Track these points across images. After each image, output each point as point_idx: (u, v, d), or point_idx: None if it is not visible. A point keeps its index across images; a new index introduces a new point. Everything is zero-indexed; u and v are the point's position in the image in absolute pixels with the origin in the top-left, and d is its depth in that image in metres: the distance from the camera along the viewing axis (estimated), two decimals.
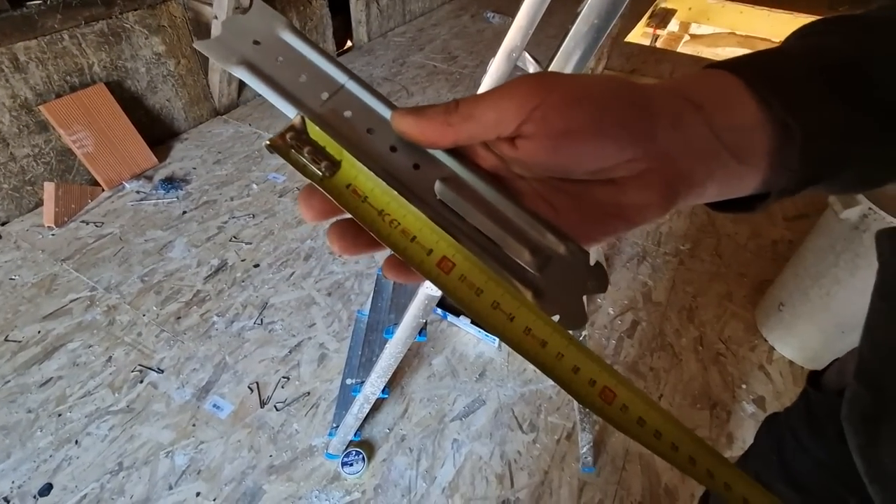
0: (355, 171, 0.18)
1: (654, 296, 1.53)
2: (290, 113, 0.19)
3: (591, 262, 0.20)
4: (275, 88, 0.19)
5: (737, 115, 0.20)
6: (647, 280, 1.57)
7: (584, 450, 1.08)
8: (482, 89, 0.83)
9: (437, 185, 0.19)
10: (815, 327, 1.25)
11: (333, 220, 0.19)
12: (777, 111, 0.20)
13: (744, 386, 1.29)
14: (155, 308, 1.42)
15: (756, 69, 0.21)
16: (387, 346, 0.83)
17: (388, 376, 0.89)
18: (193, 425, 1.17)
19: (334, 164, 0.18)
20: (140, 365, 1.28)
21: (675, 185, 0.20)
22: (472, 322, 1.36)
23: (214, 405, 1.20)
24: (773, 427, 0.43)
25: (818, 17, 0.24)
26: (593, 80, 0.19)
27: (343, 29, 2.91)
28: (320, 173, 0.18)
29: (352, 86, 0.20)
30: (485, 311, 0.18)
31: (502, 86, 0.19)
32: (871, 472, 0.27)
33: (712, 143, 0.20)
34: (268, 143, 0.18)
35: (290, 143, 0.18)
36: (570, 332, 0.19)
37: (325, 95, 0.20)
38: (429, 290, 0.73)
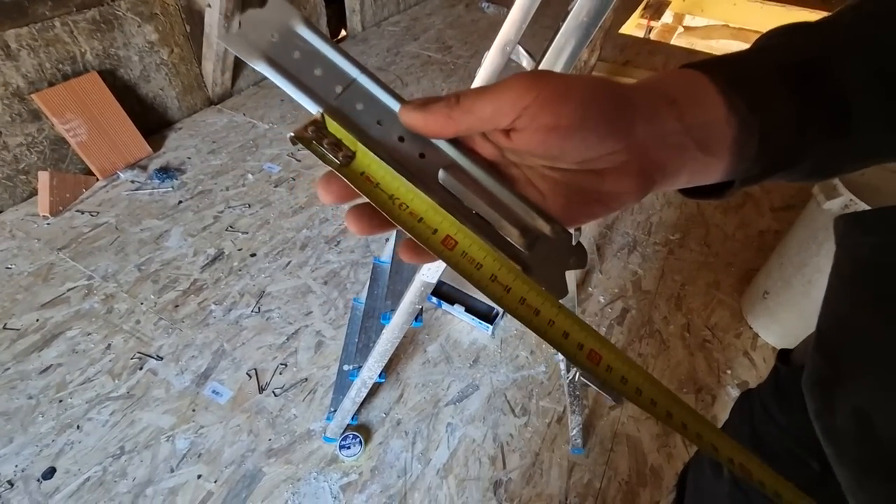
0: (368, 160, 0.20)
1: (643, 284, 1.56)
2: (309, 106, 0.21)
3: (574, 242, 0.22)
4: (294, 83, 0.21)
5: (705, 111, 0.23)
6: (637, 269, 1.61)
7: (574, 432, 1.12)
8: (477, 81, 0.85)
9: (441, 173, 0.22)
10: (796, 315, 1.29)
11: (350, 204, 0.22)
12: (739, 108, 0.22)
13: (728, 371, 1.34)
14: (152, 296, 1.43)
15: (723, 69, 0.23)
16: (384, 331, 0.86)
17: (385, 361, 0.92)
18: (193, 410, 1.19)
19: (350, 155, 0.20)
20: (139, 352, 1.29)
21: (649, 175, 0.22)
22: (466, 310, 1.39)
23: (213, 391, 1.23)
24: (746, 401, 0.47)
25: (792, 22, 0.27)
26: (580, 80, 0.21)
27: (337, 18, 2.90)
28: (338, 161, 0.20)
29: (363, 80, 0.22)
30: (484, 282, 0.20)
31: (500, 83, 0.21)
32: (825, 433, 0.30)
33: (683, 137, 0.22)
34: (292, 135, 0.20)
35: (311, 136, 0.20)
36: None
37: (338, 89, 0.22)
38: (425, 277, 0.76)
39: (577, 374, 0.99)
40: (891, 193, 1.22)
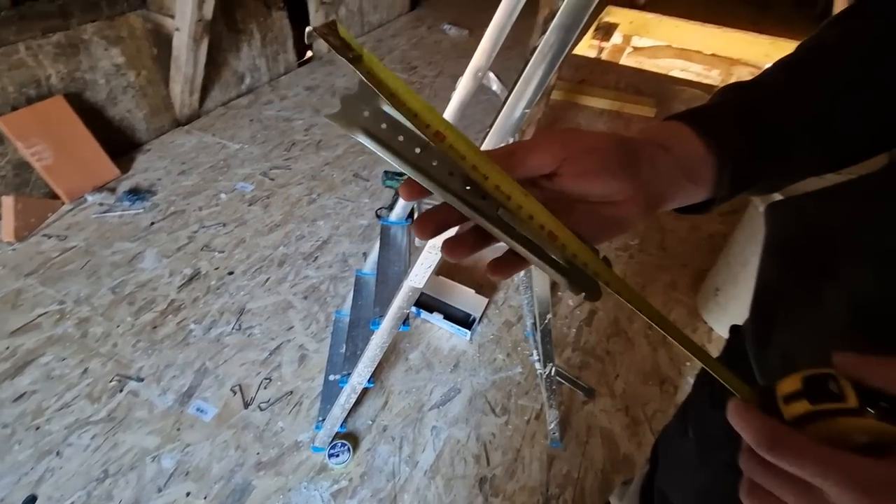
0: (371, 63, 0.25)
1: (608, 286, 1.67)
2: (399, 166, 0.27)
3: (600, 256, 0.29)
4: (385, 147, 0.27)
5: (690, 152, 0.31)
6: None
7: (552, 426, 1.19)
8: (452, 104, 0.93)
9: (500, 210, 0.28)
10: (745, 307, 1.41)
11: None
12: (714, 148, 0.31)
13: (688, 363, 1.45)
14: (129, 318, 1.42)
15: (699, 120, 0.32)
16: (373, 336, 0.91)
17: (374, 365, 0.97)
18: (178, 429, 1.19)
19: (358, 56, 0.24)
20: (118, 374, 1.28)
21: (652, 202, 0.31)
22: (445, 318, 1.45)
23: (198, 409, 1.23)
24: (705, 373, 0.56)
25: (729, 84, 0.36)
26: (601, 139, 0.29)
27: (303, 39, 2.95)
28: (350, 56, 0.24)
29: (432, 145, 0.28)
30: (468, 170, 0.26)
31: (541, 139, 0.29)
32: (762, 375, 0.38)
33: (676, 174, 0.31)
34: (310, 29, 0.24)
35: (327, 33, 0.24)
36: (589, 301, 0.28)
37: (417, 150, 0.28)
38: (412, 282, 0.82)
39: (553, 369, 1.07)
40: None
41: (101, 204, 1.79)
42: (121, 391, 1.25)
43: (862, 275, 0.33)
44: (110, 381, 1.27)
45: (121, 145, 2.02)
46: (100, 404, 1.22)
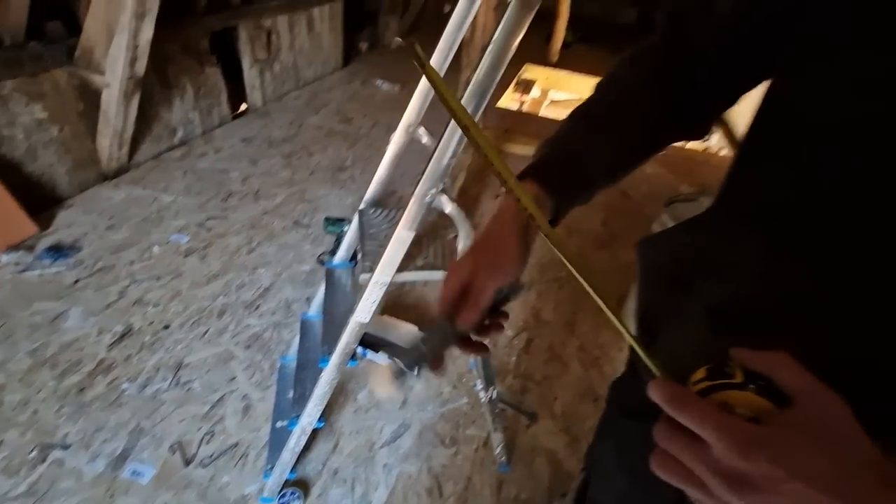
0: (432, 73, 0.32)
1: (542, 316, 1.80)
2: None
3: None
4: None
5: (540, 199, 0.43)
6: (535, 303, 1.85)
7: (498, 451, 1.25)
8: (387, 155, 1.04)
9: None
10: None
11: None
12: (550, 193, 0.44)
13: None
14: (52, 383, 1.33)
15: (538, 175, 0.45)
16: (322, 374, 0.94)
17: (324, 404, 0.99)
18: (111, 496, 1.12)
19: (422, 67, 0.32)
20: (40, 444, 1.19)
21: (527, 247, 0.42)
22: (390, 356, 1.49)
23: (134, 472, 1.17)
24: (613, 384, 0.66)
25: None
26: (478, 253, 0.42)
27: (237, 93, 3.00)
28: (423, 66, 0.32)
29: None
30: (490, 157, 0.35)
31: (446, 279, 0.41)
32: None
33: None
34: (399, 40, 0.33)
35: (409, 48, 0.32)
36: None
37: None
38: (358, 318, 0.88)
39: (496, 392, 1.14)
40: None
41: (16, 263, 1.68)
42: (43, 461, 1.16)
43: (707, 288, 0.45)
44: (30, 453, 1.17)
45: (41, 201, 1.92)
46: (18, 478, 1.12)
